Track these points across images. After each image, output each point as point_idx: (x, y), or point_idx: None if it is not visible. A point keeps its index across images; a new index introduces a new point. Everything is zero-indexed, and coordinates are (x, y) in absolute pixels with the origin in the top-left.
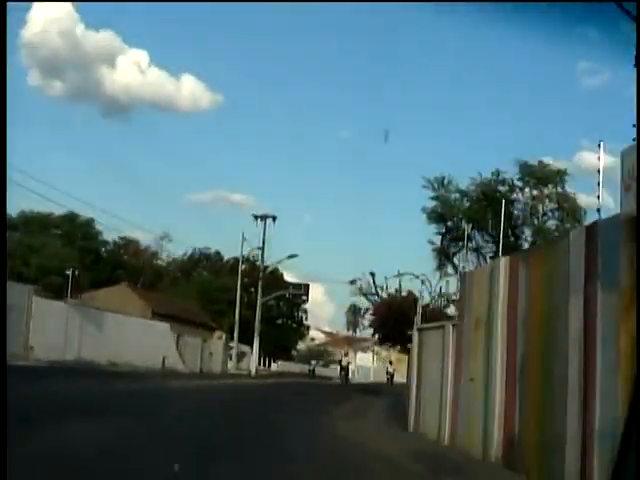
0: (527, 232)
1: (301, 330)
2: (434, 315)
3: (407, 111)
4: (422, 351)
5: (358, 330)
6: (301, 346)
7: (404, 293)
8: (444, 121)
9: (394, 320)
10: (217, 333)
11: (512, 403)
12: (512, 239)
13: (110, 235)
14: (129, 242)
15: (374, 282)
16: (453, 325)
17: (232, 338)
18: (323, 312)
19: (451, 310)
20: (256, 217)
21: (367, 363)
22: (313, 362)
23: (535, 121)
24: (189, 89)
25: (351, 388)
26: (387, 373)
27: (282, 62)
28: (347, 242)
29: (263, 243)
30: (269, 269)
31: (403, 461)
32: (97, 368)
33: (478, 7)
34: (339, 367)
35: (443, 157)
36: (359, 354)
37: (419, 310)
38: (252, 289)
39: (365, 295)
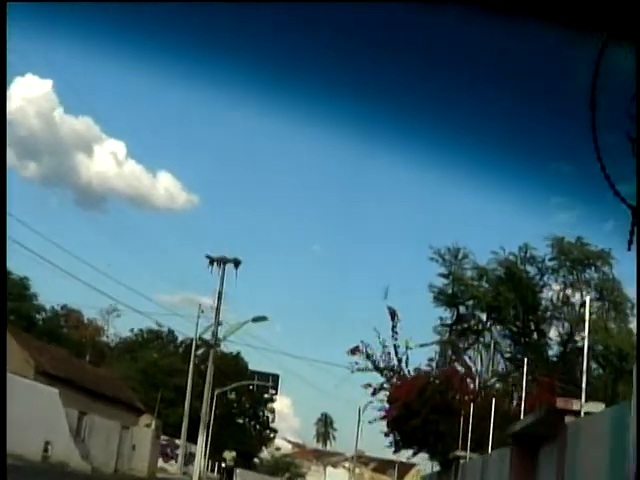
0: (556, 326)
1: (267, 434)
2: (487, 409)
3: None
4: None
5: (328, 443)
6: (265, 454)
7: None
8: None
9: (431, 409)
10: (144, 418)
11: None
12: (535, 336)
13: (48, 301)
14: (70, 312)
15: (395, 339)
16: None
17: (174, 433)
18: (289, 424)
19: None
20: (212, 260)
21: (340, 479)
22: (228, 455)
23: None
24: (165, 186)
25: None
26: None
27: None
28: (328, 317)
29: (219, 297)
30: (228, 350)
31: None
32: None
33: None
34: None
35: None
36: (329, 469)
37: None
38: (202, 367)
39: (378, 368)
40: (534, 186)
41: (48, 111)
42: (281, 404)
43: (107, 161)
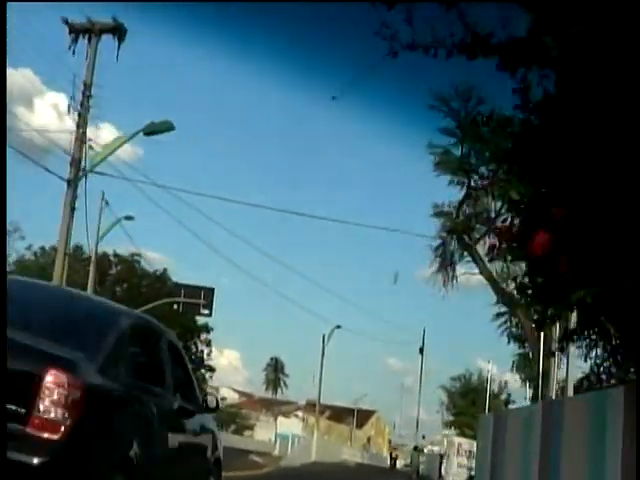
0: None
1: (201, 374)
2: None
3: None
4: None
5: (279, 390)
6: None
7: None
8: None
9: None
10: None
11: None
12: None
13: None
14: None
15: None
16: None
17: None
18: (237, 377)
19: None
20: (73, 30)
21: (294, 430)
22: None
23: None
24: (108, 140)
25: None
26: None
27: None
28: None
29: (86, 90)
30: (153, 268)
31: None
32: None
33: None
34: (389, 457)
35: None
36: (280, 419)
37: None
38: (118, 288)
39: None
40: None
41: None
42: (228, 358)
43: (48, 114)
